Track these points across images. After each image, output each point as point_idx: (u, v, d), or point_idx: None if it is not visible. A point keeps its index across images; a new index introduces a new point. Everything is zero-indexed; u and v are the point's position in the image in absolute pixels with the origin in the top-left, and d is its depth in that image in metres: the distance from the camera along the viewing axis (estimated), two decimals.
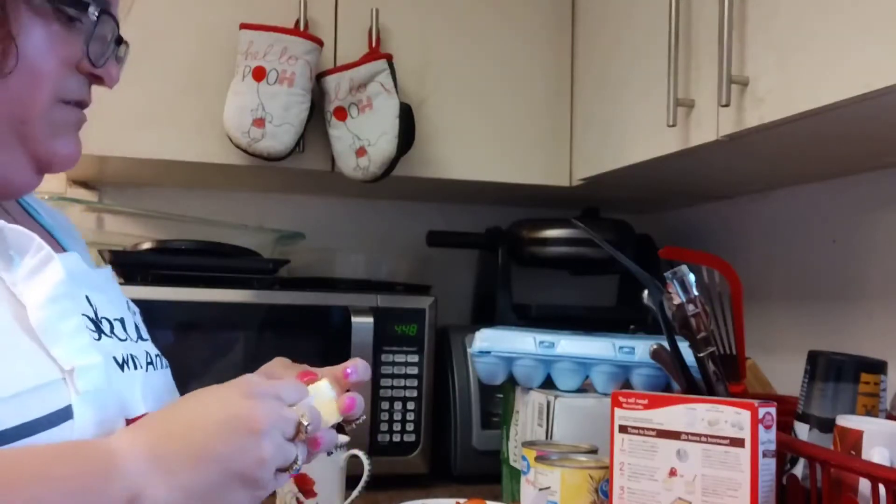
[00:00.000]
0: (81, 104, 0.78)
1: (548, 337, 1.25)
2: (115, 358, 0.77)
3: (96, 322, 0.77)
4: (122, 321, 0.81)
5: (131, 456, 0.62)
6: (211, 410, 0.67)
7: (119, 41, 0.79)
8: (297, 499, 1.22)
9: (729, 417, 0.92)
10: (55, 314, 0.70)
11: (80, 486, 0.60)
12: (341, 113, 1.48)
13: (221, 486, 0.64)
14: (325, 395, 0.76)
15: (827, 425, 1.02)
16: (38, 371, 0.67)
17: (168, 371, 0.87)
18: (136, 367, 0.80)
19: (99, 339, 0.76)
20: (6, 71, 0.70)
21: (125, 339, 0.80)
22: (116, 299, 0.84)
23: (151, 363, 0.83)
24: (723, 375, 1.07)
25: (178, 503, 0.63)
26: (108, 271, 0.88)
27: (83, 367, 0.70)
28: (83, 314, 0.75)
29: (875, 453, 0.90)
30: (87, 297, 0.77)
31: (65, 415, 0.68)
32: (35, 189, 0.79)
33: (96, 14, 0.75)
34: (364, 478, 1.23)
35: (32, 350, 0.68)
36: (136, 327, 0.85)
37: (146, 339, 0.85)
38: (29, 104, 0.72)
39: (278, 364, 0.86)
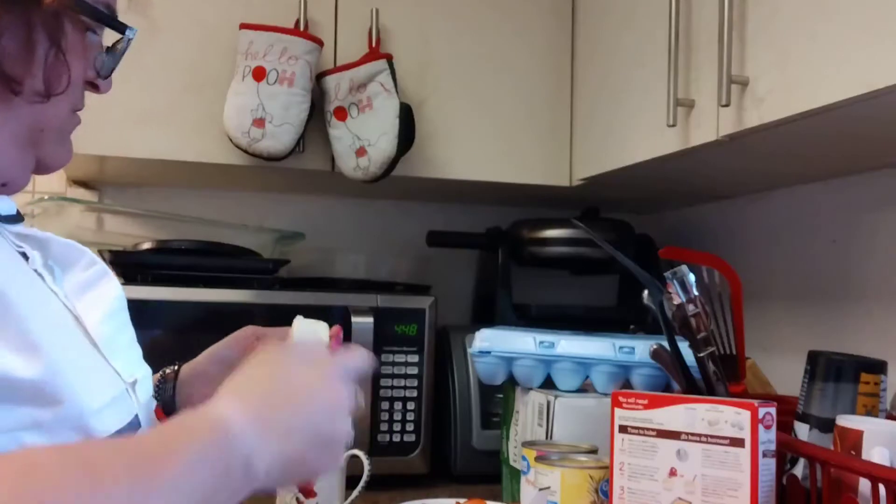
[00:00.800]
0: (79, 109, 0.79)
1: (548, 337, 1.25)
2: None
3: None
4: None
5: (244, 424, 0.64)
6: (302, 382, 0.70)
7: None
8: (297, 499, 1.22)
9: (729, 417, 0.92)
10: (114, 329, 0.73)
11: (210, 453, 0.62)
12: (341, 113, 1.48)
13: (313, 452, 0.69)
14: (322, 335, 0.84)
15: (827, 425, 1.02)
16: (113, 383, 0.70)
17: None
18: None
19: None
20: (59, 92, 0.71)
21: None
22: None
23: None
24: (723, 375, 1.07)
25: (275, 468, 0.65)
26: None
27: (142, 378, 0.73)
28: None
29: (875, 453, 0.90)
30: None
31: (136, 423, 0.71)
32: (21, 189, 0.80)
33: (133, 34, 0.77)
34: (364, 478, 1.23)
35: (103, 363, 0.70)
36: None
37: None
38: (54, 115, 0.74)
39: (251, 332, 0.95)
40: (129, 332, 0.76)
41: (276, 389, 0.68)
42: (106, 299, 0.72)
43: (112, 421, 0.67)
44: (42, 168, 0.77)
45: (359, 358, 0.75)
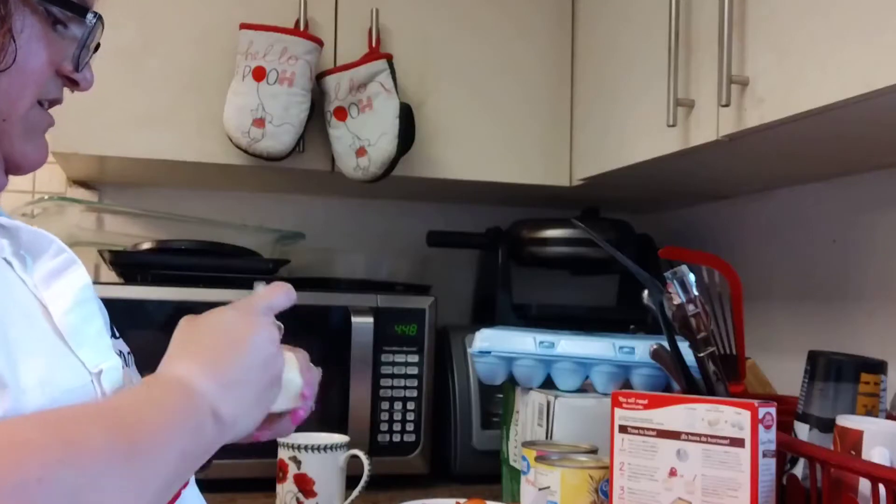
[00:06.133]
0: (55, 102, 0.78)
1: (548, 337, 1.25)
2: (122, 354, 0.79)
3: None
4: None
5: (203, 380, 0.69)
6: (240, 331, 0.75)
7: (97, 47, 0.80)
8: (297, 499, 1.22)
9: (729, 417, 0.92)
10: (81, 318, 0.72)
11: (180, 417, 0.66)
12: (341, 113, 1.48)
13: (264, 391, 0.75)
14: (293, 379, 0.81)
15: (827, 425, 1.02)
16: (76, 373, 0.69)
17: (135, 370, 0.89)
18: (123, 365, 0.81)
19: (113, 337, 0.78)
20: (3, 67, 0.70)
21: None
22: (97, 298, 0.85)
23: (125, 361, 0.84)
24: (723, 375, 1.07)
25: (240, 414, 0.70)
26: None
27: (108, 368, 0.72)
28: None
29: (875, 453, 0.90)
30: None
31: None
32: (1, 191, 0.79)
33: (94, 21, 0.75)
34: (364, 478, 1.23)
35: (66, 352, 0.70)
36: (111, 325, 0.85)
37: (118, 337, 0.86)
38: (15, 102, 0.72)
39: None
40: (98, 322, 0.75)
41: (218, 342, 0.73)
42: (73, 288, 0.72)
43: None
44: (13, 167, 0.76)
45: (281, 293, 0.80)
